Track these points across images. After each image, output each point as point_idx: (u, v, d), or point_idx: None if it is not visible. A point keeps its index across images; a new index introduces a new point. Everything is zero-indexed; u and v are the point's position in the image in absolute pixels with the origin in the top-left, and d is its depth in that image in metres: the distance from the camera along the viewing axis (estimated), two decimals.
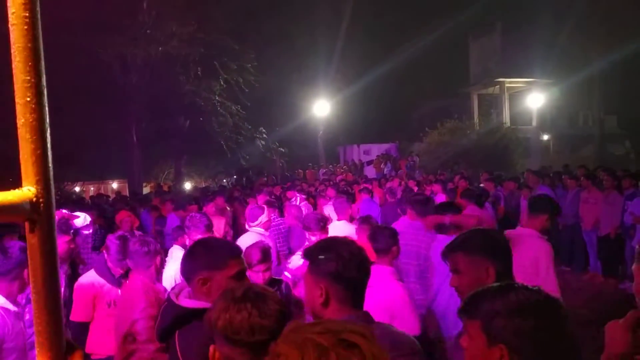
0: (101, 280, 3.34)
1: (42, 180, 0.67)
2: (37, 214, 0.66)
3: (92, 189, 23.97)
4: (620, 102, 25.09)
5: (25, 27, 0.68)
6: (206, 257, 1.88)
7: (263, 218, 4.74)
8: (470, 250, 1.82)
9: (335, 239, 1.74)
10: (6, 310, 2.40)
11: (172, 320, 1.81)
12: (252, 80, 20.00)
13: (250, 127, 20.63)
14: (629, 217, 6.74)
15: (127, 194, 16.54)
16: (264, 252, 2.94)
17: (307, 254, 1.69)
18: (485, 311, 1.14)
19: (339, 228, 4.83)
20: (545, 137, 26.90)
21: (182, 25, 17.25)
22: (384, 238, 3.14)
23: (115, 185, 24.22)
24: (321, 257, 1.61)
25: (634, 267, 1.50)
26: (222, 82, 19.13)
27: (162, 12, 17.26)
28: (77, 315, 3.32)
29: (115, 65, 16.52)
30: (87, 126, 17.10)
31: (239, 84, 19.69)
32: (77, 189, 21.35)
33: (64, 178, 18.50)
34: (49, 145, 0.68)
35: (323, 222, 4.06)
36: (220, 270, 1.84)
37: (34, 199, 0.66)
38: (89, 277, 3.40)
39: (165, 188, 18.07)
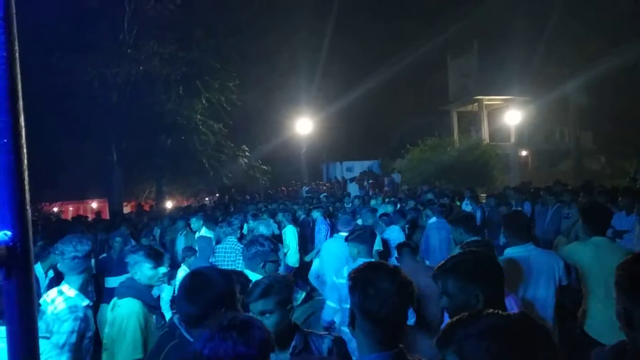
0: (144, 308, 2.79)
1: (19, 224, 0.65)
2: (13, 259, 0.64)
3: (70, 209, 23.48)
4: (594, 119, 25.82)
5: (3, 67, 0.67)
6: (222, 287, 1.85)
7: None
8: (460, 275, 1.81)
9: (376, 267, 1.61)
10: (87, 306, 2.72)
11: None
12: (235, 99, 20.00)
13: (232, 145, 20.54)
14: (608, 231, 6.86)
15: (108, 214, 16.27)
16: (265, 289, 2.08)
17: (349, 276, 1.62)
18: (459, 336, 1.17)
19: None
20: (524, 152, 27.45)
21: (163, 44, 17.22)
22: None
23: (94, 205, 23.79)
24: (350, 284, 1.56)
25: (622, 305, 1.48)
26: (204, 101, 19.07)
27: (143, 32, 17.22)
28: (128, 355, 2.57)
29: (95, 84, 16.37)
30: (66, 145, 16.81)
31: (221, 103, 19.66)
32: (56, 209, 20.89)
33: (42, 199, 18.09)
34: (26, 188, 0.67)
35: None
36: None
37: (11, 244, 0.64)
38: (129, 306, 2.74)
39: (147, 207, 17.82)
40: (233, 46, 20.51)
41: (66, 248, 2.69)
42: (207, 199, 23.20)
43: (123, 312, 2.69)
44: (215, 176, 20.36)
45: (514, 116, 24.60)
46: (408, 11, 28.29)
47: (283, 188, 23.34)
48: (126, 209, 18.79)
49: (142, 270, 2.84)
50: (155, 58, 17.16)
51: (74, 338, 2.48)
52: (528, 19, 22.86)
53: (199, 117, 18.86)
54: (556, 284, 3.17)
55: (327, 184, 23.47)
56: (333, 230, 7.45)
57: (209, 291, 1.81)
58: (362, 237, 3.83)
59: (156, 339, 2.24)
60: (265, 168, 22.64)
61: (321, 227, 7.80)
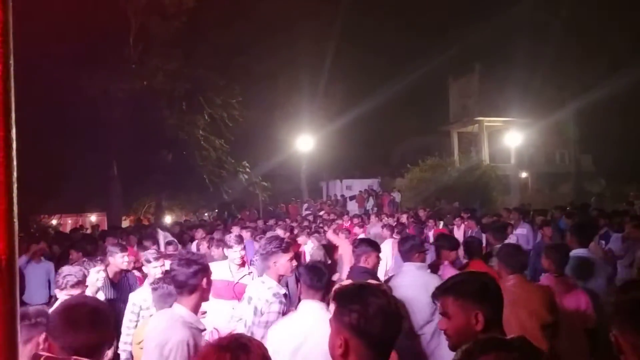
0: None
1: (6, 237, 0.65)
2: None
3: (69, 221, 23.40)
4: (594, 142, 25.90)
5: None
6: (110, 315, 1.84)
7: None
8: (460, 294, 1.79)
9: (367, 287, 1.57)
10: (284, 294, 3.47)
11: None
12: (237, 115, 20.11)
13: (233, 161, 20.58)
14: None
15: (106, 228, 16.20)
16: None
17: (335, 296, 1.57)
18: None
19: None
20: (524, 174, 27.46)
21: (168, 60, 17.42)
22: None
23: (93, 218, 23.71)
24: (346, 305, 1.50)
25: (613, 332, 1.48)
26: (206, 117, 19.18)
27: (148, 48, 17.44)
28: None
29: (98, 98, 16.49)
30: (68, 158, 16.86)
31: (224, 119, 19.77)
32: (54, 222, 20.84)
33: (41, 210, 18.08)
34: (15, 200, 0.67)
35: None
36: None
37: None
38: None
39: (146, 222, 17.77)
40: (237, 64, 20.74)
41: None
42: (206, 214, 23.14)
43: None
44: (215, 192, 20.35)
45: (514, 138, 24.65)
46: (411, 33, 28.63)
47: (282, 205, 23.31)
48: (125, 223, 18.72)
49: None
50: (160, 74, 17.34)
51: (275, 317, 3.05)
52: (529, 42, 23.12)
53: (200, 132, 18.95)
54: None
55: (328, 201, 23.44)
56: None
57: (105, 319, 1.78)
58: None
59: None
60: (265, 184, 22.64)
61: None
